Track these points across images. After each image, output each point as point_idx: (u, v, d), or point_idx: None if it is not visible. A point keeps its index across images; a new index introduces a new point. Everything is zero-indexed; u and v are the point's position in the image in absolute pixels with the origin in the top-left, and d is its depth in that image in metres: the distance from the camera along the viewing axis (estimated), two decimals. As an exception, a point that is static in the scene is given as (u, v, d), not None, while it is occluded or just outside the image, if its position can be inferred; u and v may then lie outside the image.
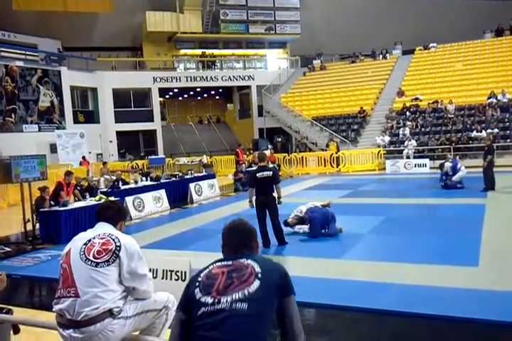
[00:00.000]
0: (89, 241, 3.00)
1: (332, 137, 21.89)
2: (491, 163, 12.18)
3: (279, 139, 28.40)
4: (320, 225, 7.95)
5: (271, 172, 7.48)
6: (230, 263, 2.24)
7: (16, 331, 3.36)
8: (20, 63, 22.43)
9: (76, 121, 24.96)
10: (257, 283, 2.09)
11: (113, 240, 2.98)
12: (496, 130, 19.32)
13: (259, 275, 2.12)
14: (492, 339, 4.19)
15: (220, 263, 2.26)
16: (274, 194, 7.56)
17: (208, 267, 2.29)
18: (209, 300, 2.10)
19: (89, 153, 23.01)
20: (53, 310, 2.94)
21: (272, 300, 2.13)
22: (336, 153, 20.37)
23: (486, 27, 29.84)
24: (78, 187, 11.74)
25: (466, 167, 13.55)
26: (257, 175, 7.45)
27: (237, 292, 2.08)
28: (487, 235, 7.42)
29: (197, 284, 2.21)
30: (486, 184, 12.12)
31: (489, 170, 12.16)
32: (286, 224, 8.36)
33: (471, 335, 4.26)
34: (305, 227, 8.26)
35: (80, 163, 20.27)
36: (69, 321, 2.83)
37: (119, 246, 2.95)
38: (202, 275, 2.24)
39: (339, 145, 21.27)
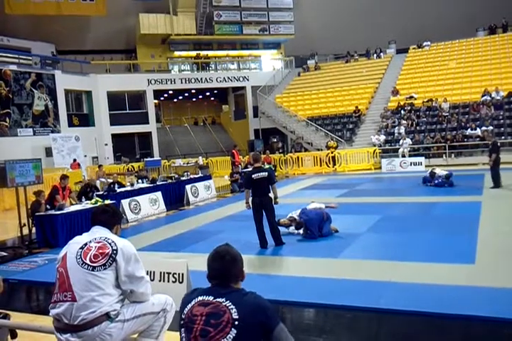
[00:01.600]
0: (86, 245, 2.99)
1: (332, 137, 21.95)
2: (497, 161, 12.10)
3: (275, 140, 28.37)
4: (317, 226, 7.93)
5: (266, 173, 7.47)
6: (211, 299, 2.24)
7: (14, 336, 3.36)
8: (14, 67, 22.35)
9: (71, 124, 24.89)
10: (233, 333, 2.12)
11: (109, 244, 2.98)
12: (491, 127, 19.38)
13: (236, 323, 2.13)
14: (490, 335, 4.19)
15: (201, 298, 2.27)
16: (270, 195, 7.56)
17: (191, 300, 2.30)
18: None
19: (85, 156, 22.96)
20: (50, 314, 2.93)
21: None
22: (332, 152, 20.39)
23: (479, 25, 30.00)
24: (88, 189, 11.87)
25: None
26: (253, 176, 7.45)
27: None
28: (483, 232, 7.44)
29: (181, 322, 2.27)
30: (495, 181, 12.10)
31: (496, 167, 12.10)
32: (278, 223, 8.38)
33: (469, 332, 4.27)
34: (300, 230, 8.25)
35: (71, 166, 20.41)
36: (66, 325, 2.82)
37: (116, 250, 2.95)
38: (186, 311, 2.27)
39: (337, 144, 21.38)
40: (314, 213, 8.05)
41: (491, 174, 12.20)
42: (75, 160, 21.17)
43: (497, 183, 12.02)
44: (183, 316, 2.28)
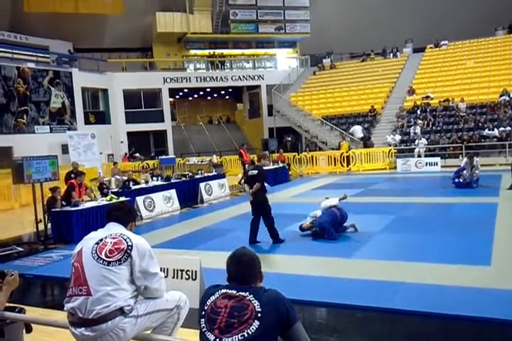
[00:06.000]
0: (101, 240, 3.02)
1: (344, 137, 21.85)
2: None
3: (289, 138, 28.32)
4: (331, 226, 7.86)
5: (256, 171, 7.77)
6: (234, 292, 2.30)
7: (29, 330, 3.39)
8: (32, 65, 22.63)
9: (87, 122, 25.13)
10: (256, 324, 2.18)
11: (125, 240, 3.00)
12: (509, 128, 19.12)
13: (259, 315, 2.20)
14: (505, 338, 4.14)
15: (225, 291, 2.34)
16: (268, 194, 7.84)
17: (215, 293, 2.35)
18: (212, 337, 2.23)
19: (100, 153, 23.16)
20: (64, 308, 2.96)
21: (272, 336, 2.23)
22: (347, 152, 20.29)
23: (497, 24, 29.55)
24: (127, 182, 13.02)
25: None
26: (249, 172, 7.98)
27: (237, 334, 2.18)
28: (499, 234, 7.35)
29: (203, 313, 2.32)
30: None
31: None
32: (301, 229, 8.33)
33: (483, 335, 4.23)
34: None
35: (122, 159, 23.56)
36: (80, 319, 2.84)
37: (131, 246, 2.97)
38: (209, 302, 2.33)
39: (350, 144, 21.24)
40: (326, 214, 7.97)
41: (511, 173, 12.04)
42: (126, 154, 23.65)
43: None
44: (205, 307, 2.33)
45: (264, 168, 17.36)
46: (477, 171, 12.86)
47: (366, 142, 21.40)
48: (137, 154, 25.17)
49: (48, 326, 3.40)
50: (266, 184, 15.99)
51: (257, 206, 7.70)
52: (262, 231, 7.86)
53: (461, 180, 12.80)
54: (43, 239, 9.23)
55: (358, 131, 22.25)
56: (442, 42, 29.41)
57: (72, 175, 11.80)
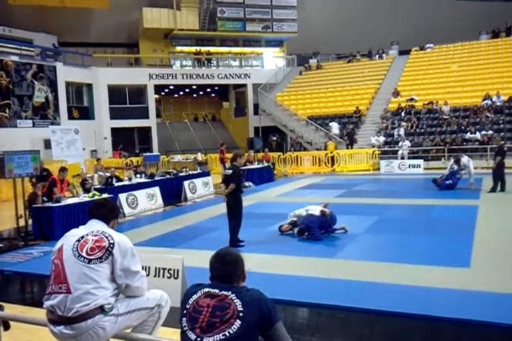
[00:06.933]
0: (83, 237, 2.98)
1: (330, 137, 21.97)
2: (501, 165, 12.13)
3: (274, 138, 28.33)
4: (317, 227, 7.87)
5: (230, 171, 7.69)
6: (217, 292, 2.30)
7: (7, 327, 3.34)
8: (16, 58, 22.27)
9: (71, 117, 24.82)
10: (237, 323, 2.18)
11: (106, 237, 2.97)
12: (491, 132, 19.41)
13: (241, 315, 2.20)
14: (483, 339, 4.20)
15: (207, 290, 2.34)
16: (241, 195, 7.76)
17: (197, 291, 2.35)
18: (193, 336, 2.22)
19: (84, 149, 22.90)
20: (44, 306, 2.92)
21: (254, 336, 2.23)
22: (331, 152, 20.39)
23: (482, 28, 29.97)
24: (110, 179, 12.77)
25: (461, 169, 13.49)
26: (224, 172, 7.99)
27: (218, 333, 2.17)
28: (479, 236, 7.46)
29: (185, 312, 2.31)
30: (494, 185, 12.13)
31: (499, 171, 12.12)
32: (280, 230, 8.35)
33: (462, 336, 4.28)
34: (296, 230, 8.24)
35: (113, 154, 24.28)
36: (60, 317, 2.81)
37: (113, 244, 2.94)
38: (191, 301, 2.33)
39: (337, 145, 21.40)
40: (316, 216, 7.99)
41: (492, 176, 12.23)
42: (117, 149, 24.37)
43: (495, 187, 12.07)
44: (186, 306, 2.32)
45: (249, 166, 17.34)
46: (463, 172, 12.98)
47: (351, 138, 21.62)
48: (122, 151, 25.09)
49: (26, 323, 3.36)
50: (250, 183, 16.14)
51: (227, 204, 7.74)
52: (245, 231, 7.86)
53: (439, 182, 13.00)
54: (23, 235, 9.11)
55: (333, 127, 22.90)
56: (427, 45, 29.72)
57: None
